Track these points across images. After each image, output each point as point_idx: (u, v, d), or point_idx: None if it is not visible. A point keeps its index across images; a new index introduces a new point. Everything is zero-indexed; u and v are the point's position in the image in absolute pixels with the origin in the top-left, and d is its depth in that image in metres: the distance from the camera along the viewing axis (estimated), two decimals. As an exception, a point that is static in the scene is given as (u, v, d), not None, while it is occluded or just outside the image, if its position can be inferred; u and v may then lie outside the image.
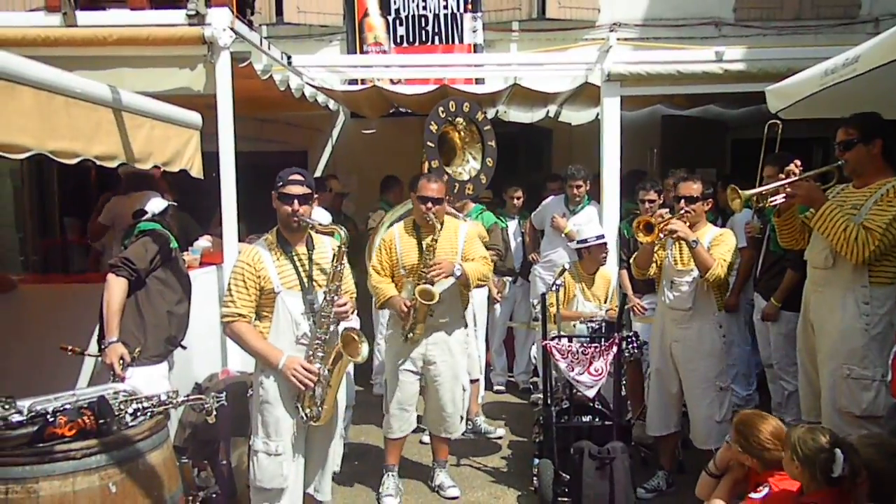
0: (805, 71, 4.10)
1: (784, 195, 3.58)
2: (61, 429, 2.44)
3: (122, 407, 2.60)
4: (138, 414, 2.65)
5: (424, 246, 4.15)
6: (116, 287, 3.51)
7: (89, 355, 3.70)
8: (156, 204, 4.00)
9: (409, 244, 4.24)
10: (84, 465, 2.42)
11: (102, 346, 3.45)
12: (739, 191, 3.63)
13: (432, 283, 4.09)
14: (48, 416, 2.47)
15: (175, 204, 4.20)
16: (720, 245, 4.10)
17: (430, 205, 4.14)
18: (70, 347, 3.47)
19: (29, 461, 2.40)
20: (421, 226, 4.24)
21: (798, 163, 3.58)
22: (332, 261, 3.36)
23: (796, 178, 3.52)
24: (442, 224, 4.24)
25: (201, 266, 4.73)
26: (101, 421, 2.51)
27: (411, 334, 4.18)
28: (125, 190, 4.94)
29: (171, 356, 3.84)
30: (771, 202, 3.69)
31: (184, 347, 3.91)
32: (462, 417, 4.45)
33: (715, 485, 3.15)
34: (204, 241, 4.92)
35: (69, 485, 2.39)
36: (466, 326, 4.62)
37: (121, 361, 3.33)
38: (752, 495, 2.88)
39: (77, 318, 4.10)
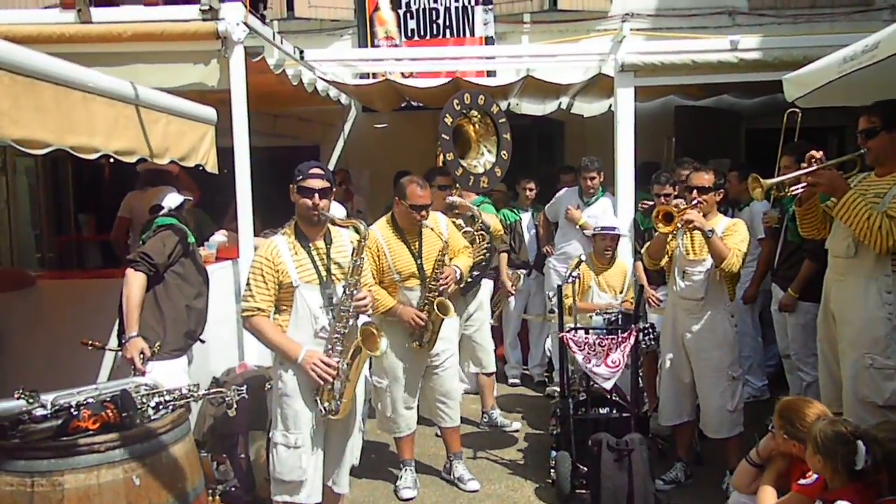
0: (823, 58, 4.05)
1: (805, 184, 3.53)
2: (85, 422, 2.45)
3: (144, 400, 2.61)
4: (160, 407, 2.66)
5: (435, 260, 4.15)
6: (135, 282, 3.52)
7: (110, 350, 3.73)
8: (172, 199, 4.02)
9: (399, 248, 4.18)
10: (108, 459, 2.44)
11: (123, 341, 3.48)
12: (761, 179, 3.60)
13: (442, 294, 4.12)
14: (72, 410, 2.49)
15: (191, 199, 4.22)
16: (733, 235, 4.08)
17: (424, 213, 4.12)
18: (91, 342, 3.50)
19: (54, 454, 2.42)
20: (405, 229, 4.21)
21: (820, 151, 3.52)
22: (352, 254, 3.36)
23: (818, 166, 3.47)
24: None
25: (217, 261, 4.74)
26: (125, 414, 2.53)
27: (428, 343, 4.18)
28: (143, 185, 4.97)
29: (190, 350, 3.85)
30: (792, 191, 3.65)
31: (202, 342, 3.93)
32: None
33: (755, 475, 3.10)
34: (219, 236, 4.93)
35: (94, 478, 2.41)
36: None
37: (141, 356, 3.36)
38: (802, 481, 2.82)
39: (95, 313, 4.13)
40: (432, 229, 4.19)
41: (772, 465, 3.06)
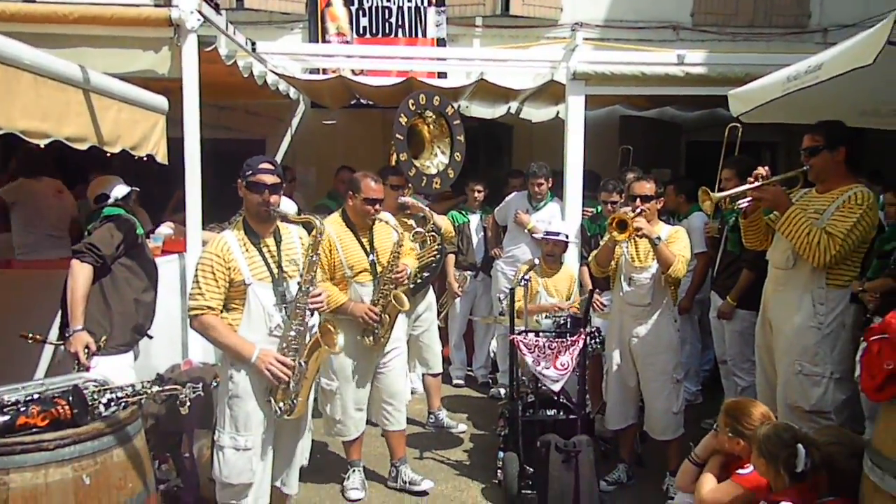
0: (768, 76, 4.22)
1: (751, 198, 3.68)
2: (34, 419, 2.35)
3: (95, 397, 2.52)
4: (112, 404, 2.57)
5: (390, 253, 4.12)
6: (81, 274, 3.39)
7: (51, 343, 3.56)
8: (119, 189, 3.90)
9: (351, 243, 4.15)
10: (57, 457, 2.34)
11: (66, 335, 3.34)
12: (710, 193, 3.73)
13: (396, 287, 4.09)
14: (20, 406, 2.38)
15: (138, 189, 4.08)
16: (677, 242, 4.21)
17: (377, 206, 4.11)
18: (31, 335, 3.33)
19: (-1, 452, 2.31)
20: (357, 224, 4.18)
21: (766, 168, 3.67)
22: (307, 251, 3.30)
23: (764, 182, 3.61)
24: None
25: (163, 254, 4.60)
26: (75, 411, 2.43)
27: (383, 339, 4.12)
28: (18, 172, 4.79)
29: (136, 346, 3.74)
30: (739, 204, 3.80)
31: (150, 337, 3.82)
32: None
33: (697, 473, 3.23)
34: (166, 228, 4.79)
35: (41, 476, 2.30)
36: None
37: (86, 350, 3.23)
38: (740, 471, 2.98)
39: (30, 305, 3.96)
40: (387, 222, 4.17)
41: (713, 458, 3.20)
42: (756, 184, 3.62)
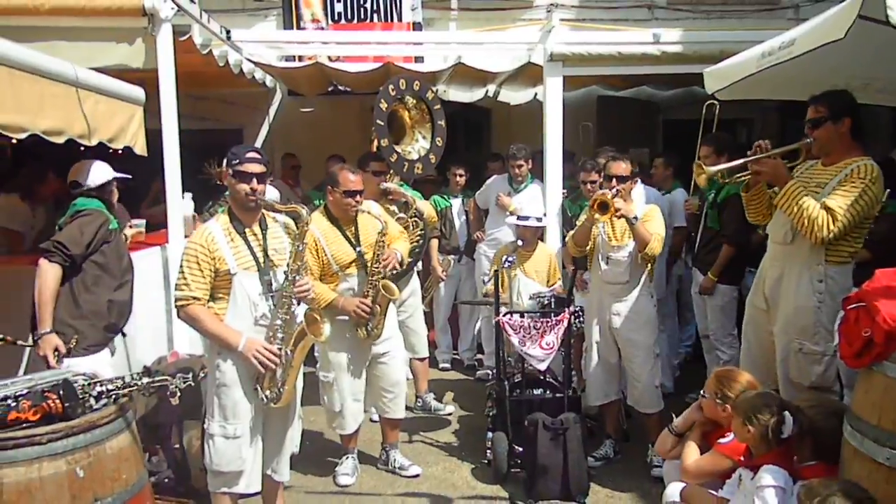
0: (742, 53, 4.24)
1: (749, 172, 3.57)
2: (25, 413, 2.34)
3: (86, 390, 2.51)
4: (102, 397, 2.57)
5: (375, 240, 4.09)
6: (49, 274, 3.29)
7: (21, 345, 3.42)
8: (97, 174, 3.71)
9: (336, 238, 4.09)
10: (50, 451, 2.33)
11: (35, 337, 3.26)
12: (704, 166, 3.65)
13: (385, 276, 4.08)
14: (10, 401, 2.37)
15: (118, 176, 3.92)
16: (652, 220, 4.26)
17: (357, 198, 4.06)
18: (2, 337, 3.20)
19: (-10, 447, 2.30)
20: (340, 218, 4.13)
21: (766, 140, 3.54)
22: (294, 240, 3.31)
23: (762, 154, 3.49)
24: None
25: (145, 246, 4.56)
26: (67, 404, 2.42)
27: (375, 330, 4.09)
28: None
29: (111, 342, 3.66)
30: (737, 178, 3.71)
31: (124, 334, 3.74)
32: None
33: (675, 442, 3.31)
34: (127, 230, 4.54)
35: (35, 471, 2.29)
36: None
37: (55, 353, 3.19)
38: (722, 440, 3.06)
39: (8, 302, 3.89)
40: (369, 212, 4.16)
41: (696, 428, 3.27)
42: (755, 156, 3.49)
